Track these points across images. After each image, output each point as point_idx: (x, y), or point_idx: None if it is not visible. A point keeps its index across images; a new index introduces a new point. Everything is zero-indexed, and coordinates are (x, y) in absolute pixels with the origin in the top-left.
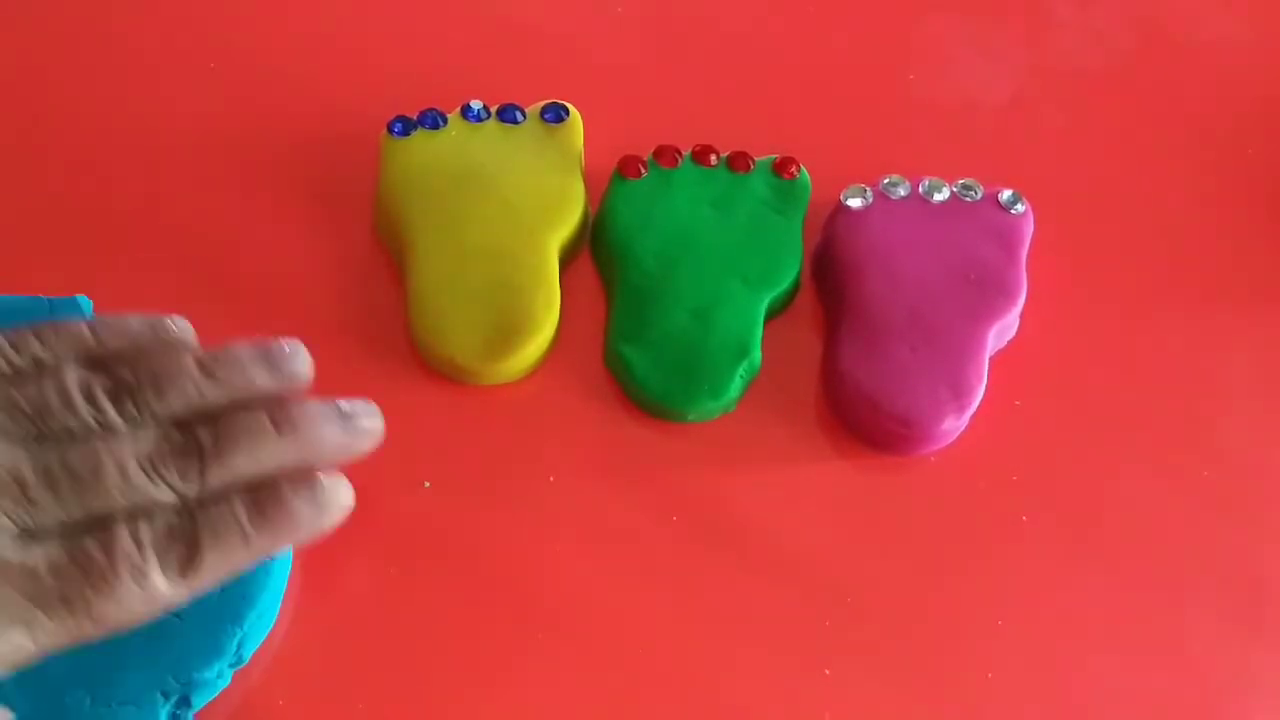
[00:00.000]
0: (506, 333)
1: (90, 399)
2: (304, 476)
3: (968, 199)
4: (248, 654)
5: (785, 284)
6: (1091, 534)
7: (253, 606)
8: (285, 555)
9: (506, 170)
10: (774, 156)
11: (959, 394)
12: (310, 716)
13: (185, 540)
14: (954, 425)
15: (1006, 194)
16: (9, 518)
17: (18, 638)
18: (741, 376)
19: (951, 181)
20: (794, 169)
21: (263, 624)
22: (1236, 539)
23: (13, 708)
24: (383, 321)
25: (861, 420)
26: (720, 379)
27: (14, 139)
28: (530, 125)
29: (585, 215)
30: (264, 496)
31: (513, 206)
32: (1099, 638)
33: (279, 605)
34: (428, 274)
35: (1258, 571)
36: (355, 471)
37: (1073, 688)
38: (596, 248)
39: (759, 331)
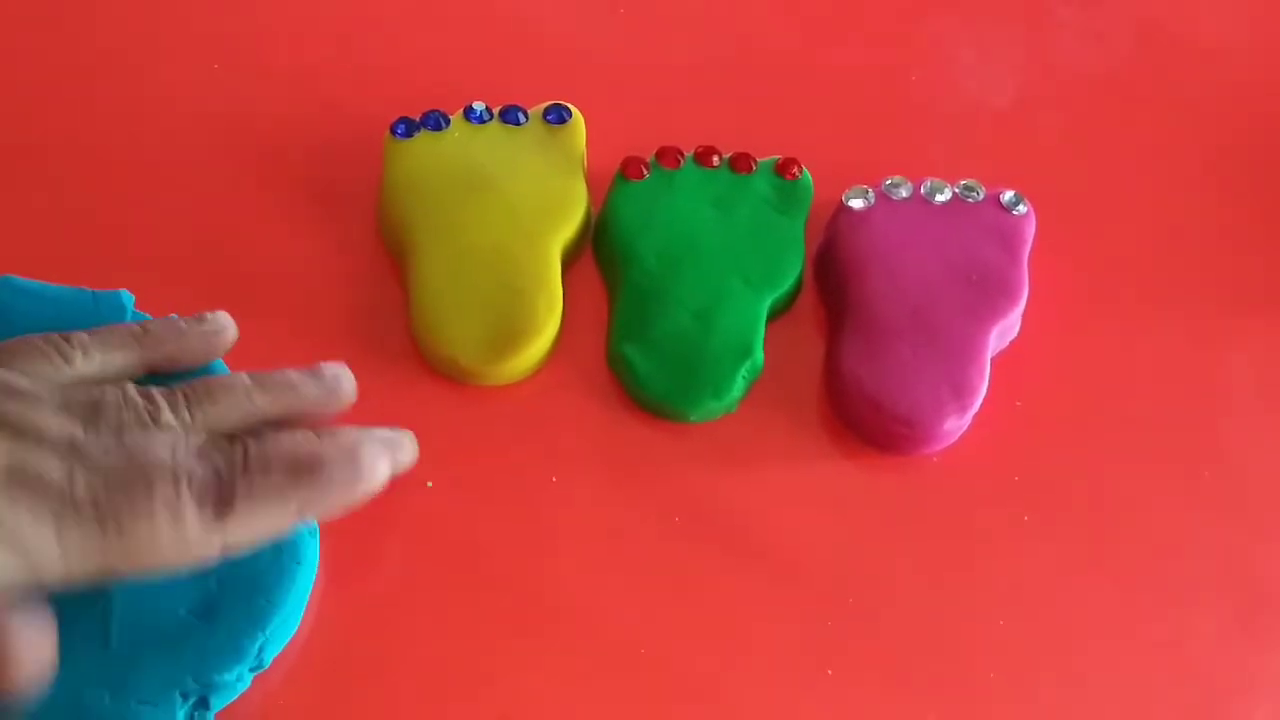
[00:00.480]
0: (509, 333)
1: (148, 399)
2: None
3: (969, 200)
4: (269, 658)
5: (787, 284)
6: (1093, 534)
7: (277, 611)
8: (311, 560)
9: (509, 171)
10: (776, 157)
11: (961, 394)
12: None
13: (222, 489)
14: (956, 425)
15: (1008, 195)
16: (56, 458)
17: (47, 533)
18: (744, 377)
19: (953, 182)
20: (796, 170)
21: (286, 629)
22: (1237, 539)
23: (30, 703)
24: (385, 322)
25: (864, 420)
26: (722, 379)
27: (16, 139)
28: (533, 126)
29: (588, 216)
30: (303, 455)
31: (515, 208)
32: (1100, 637)
33: (303, 611)
34: (430, 275)
35: (1258, 571)
36: None
37: (1074, 688)
38: (599, 248)
39: (761, 332)
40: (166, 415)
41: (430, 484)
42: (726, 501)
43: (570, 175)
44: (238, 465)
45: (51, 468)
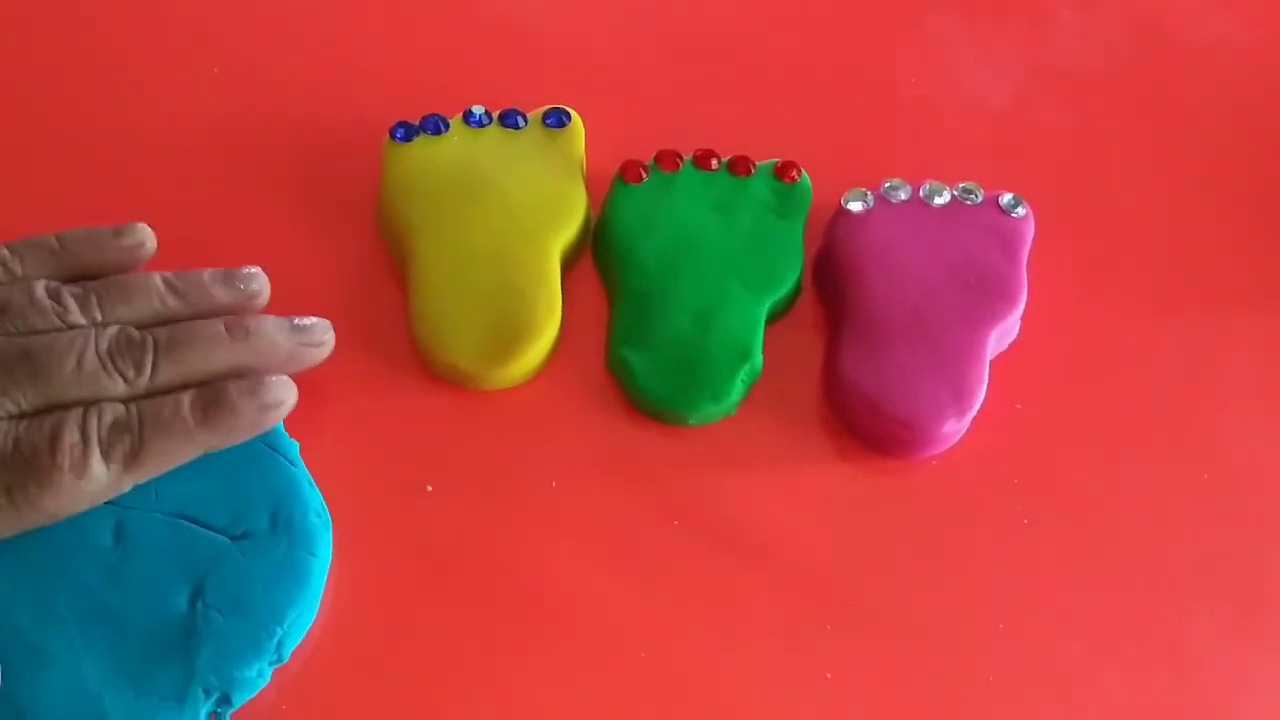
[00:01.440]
0: (508, 337)
1: (57, 299)
2: (249, 376)
3: (968, 202)
4: (287, 652)
5: (786, 288)
6: (1092, 537)
7: (294, 605)
8: (325, 552)
9: (508, 175)
10: (775, 160)
11: (960, 397)
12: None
13: (130, 432)
14: (955, 428)
15: (1007, 197)
16: None
17: None
18: (743, 380)
19: (952, 185)
20: (795, 173)
21: (302, 622)
22: (1237, 541)
23: (53, 697)
24: (385, 326)
25: (863, 423)
26: (722, 383)
27: (17, 140)
28: (532, 130)
29: (587, 220)
30: (208, 392)
31: (514, 211)
32: (1100, 640)
33: (318, 604)
34: (430, 279)
35: (1258, 573)
36: (358, 475)
37: (1074, 691)
38: (598, 252)
39: (760, 335)
40: (75, 315)
41: (430, 488)
42: (726, 505)
43: (569, 178)
44: (146, 412)
45: None
